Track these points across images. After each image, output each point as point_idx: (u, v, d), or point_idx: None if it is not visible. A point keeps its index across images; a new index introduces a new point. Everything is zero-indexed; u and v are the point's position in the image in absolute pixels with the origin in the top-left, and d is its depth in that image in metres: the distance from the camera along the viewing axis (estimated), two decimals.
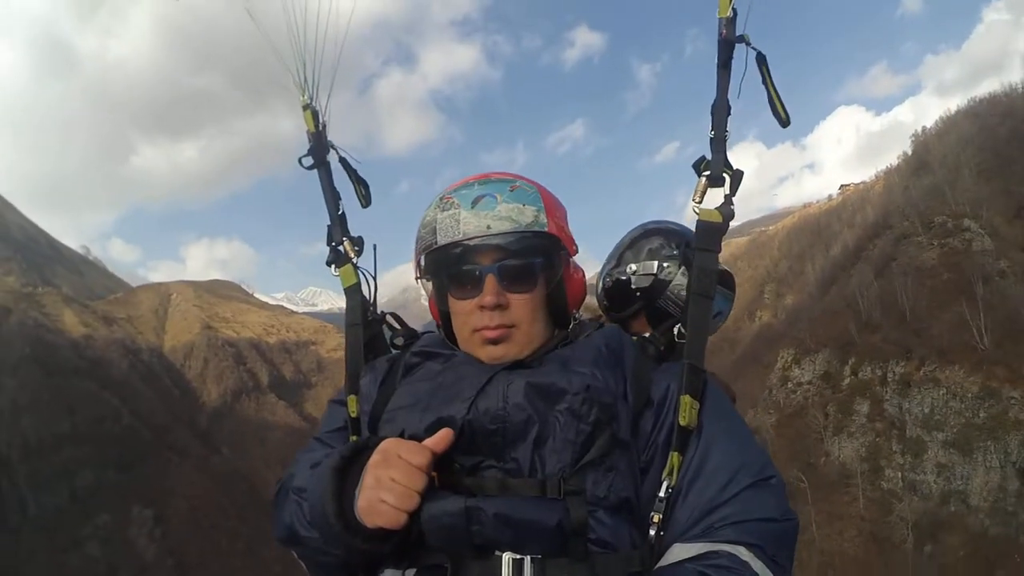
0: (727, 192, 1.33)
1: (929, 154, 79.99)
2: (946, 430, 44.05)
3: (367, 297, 1.57)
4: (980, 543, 38.81)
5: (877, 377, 50.84)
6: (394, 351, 1.44)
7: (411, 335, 1.45)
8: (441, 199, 1.26)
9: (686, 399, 1.18)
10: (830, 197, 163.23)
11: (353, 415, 1.34)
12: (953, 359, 45.59)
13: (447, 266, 1.25)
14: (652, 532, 1.12)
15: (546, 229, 1.23)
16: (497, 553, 1.06)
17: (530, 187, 1.26)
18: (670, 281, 1.85)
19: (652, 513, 1.13)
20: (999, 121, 71.73)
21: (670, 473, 1.14)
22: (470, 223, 1.20)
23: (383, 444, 1.09)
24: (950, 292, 50.25)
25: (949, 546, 39.93)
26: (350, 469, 1.09)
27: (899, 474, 45.52)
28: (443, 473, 1.11)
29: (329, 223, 1.62)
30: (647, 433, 1.18)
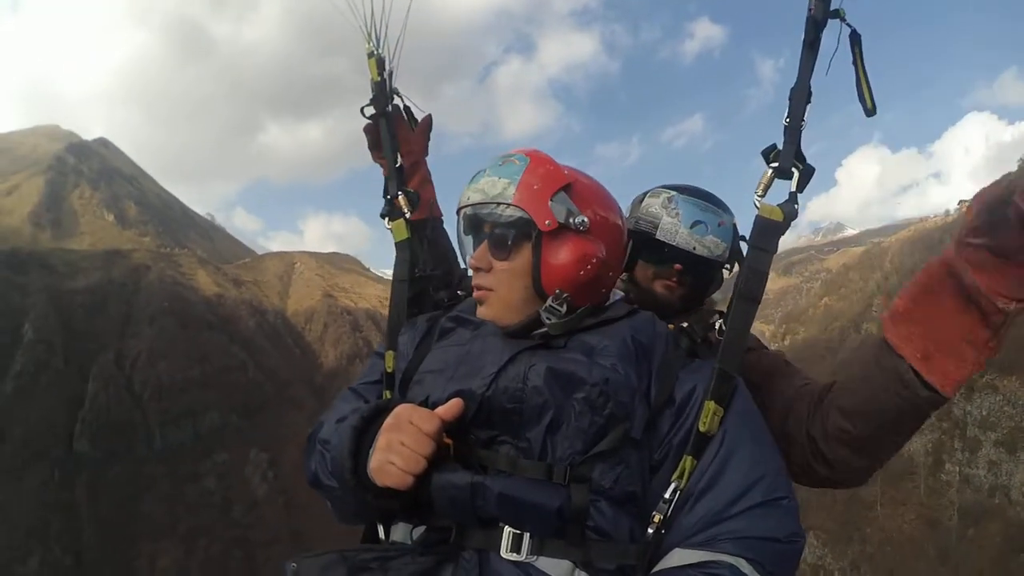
0: (793, 188, 1.31)
1: None
2: (998, 431, 52.56)
3: (417, 253, 1.65)
4: (1015, 531, 46.75)
5: None
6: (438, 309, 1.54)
7: (454, 297, 1.57)
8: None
9: (710, 404, 1.18)
10: (947, 212, 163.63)
11: (389, 370, 1.46)
12: (1012, 371, 53.73)
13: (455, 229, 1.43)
14: (651, 530, 1.14)
15: (510, 201, 1.26)
16: (500, 524, 1.13)
17: (521, 160, 1.30)
18: (657, 223, 1.76)
19: (654, 512, 1.15)
20: None
21: (680, 476, 1.16)
22: (465, 194, 1.33)
23: (397, 409, 1.17)
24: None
25: (989, 532, 48.20)
26: (369, 429, 1.18)
27: (956, 468, 54.09)
28: (459, 442, 1.19)
29: (386, 175, 1.69)
30: (663, 432, 1.20)
